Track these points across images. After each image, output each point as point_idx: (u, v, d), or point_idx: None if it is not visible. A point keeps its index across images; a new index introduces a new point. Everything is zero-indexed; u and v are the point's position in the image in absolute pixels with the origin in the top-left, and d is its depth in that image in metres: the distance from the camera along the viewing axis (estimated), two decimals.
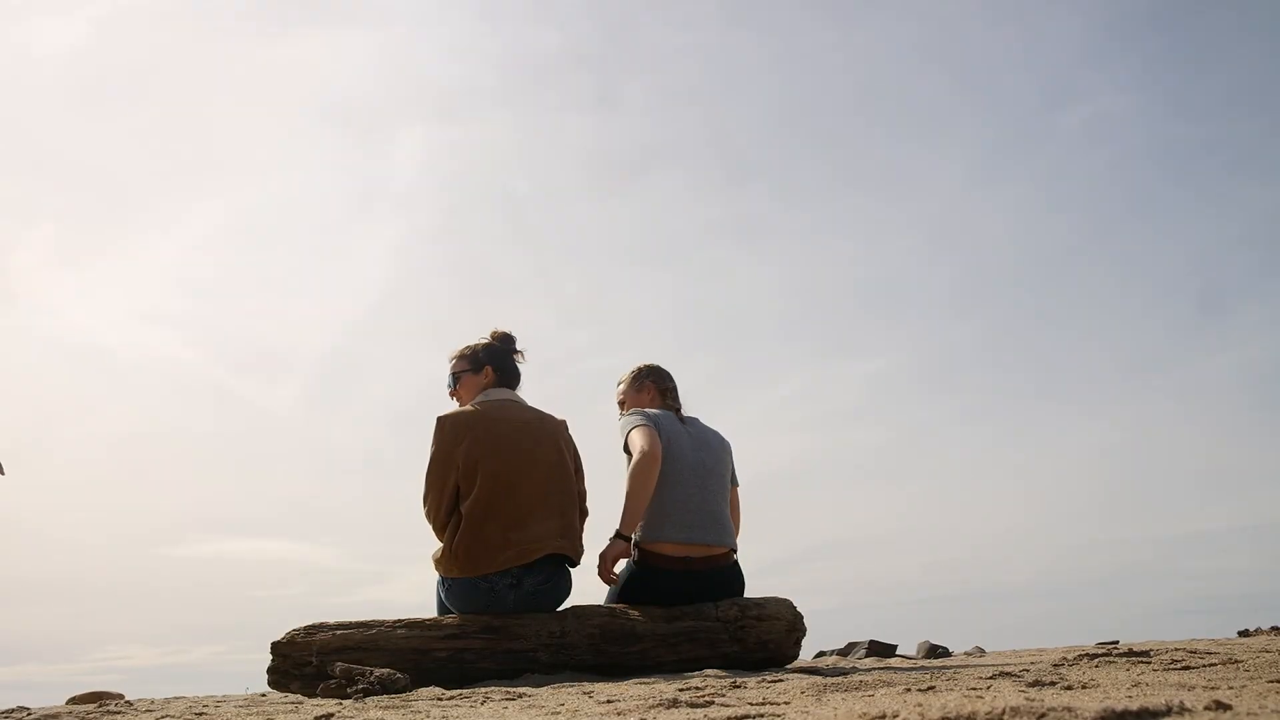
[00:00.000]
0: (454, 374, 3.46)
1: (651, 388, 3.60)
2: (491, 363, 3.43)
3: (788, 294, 19.43)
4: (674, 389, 3.63)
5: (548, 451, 3.23)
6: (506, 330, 3.54)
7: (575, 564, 3.28)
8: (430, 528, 3.25)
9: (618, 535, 3.21)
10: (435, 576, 3.26)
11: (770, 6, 17.86)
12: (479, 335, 3.54)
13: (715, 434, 3.53)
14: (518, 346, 3.53)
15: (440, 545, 3.21)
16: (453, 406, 3.41)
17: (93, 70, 17.85)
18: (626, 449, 3.33)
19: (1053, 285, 18.21)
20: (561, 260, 20.12)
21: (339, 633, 2.98)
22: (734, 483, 3.57)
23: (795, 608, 3.33)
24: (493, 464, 3.13)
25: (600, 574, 3.24)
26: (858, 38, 17.71)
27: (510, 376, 3.46)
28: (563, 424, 3.36)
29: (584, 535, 3.34)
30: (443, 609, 3.24)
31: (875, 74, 18.02)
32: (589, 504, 3.41)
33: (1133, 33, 16.17)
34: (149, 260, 18.57)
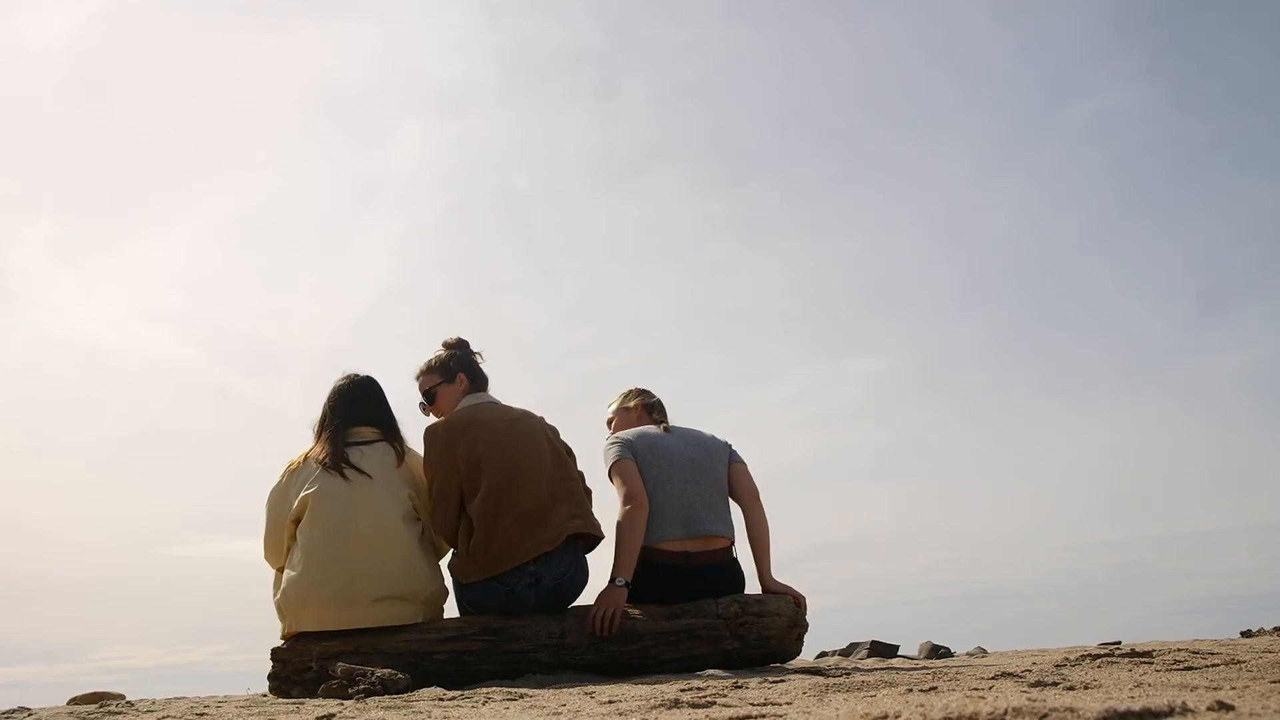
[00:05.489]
0: (429, 390, 3.45)
1: (639, 405, 3.66)
2: (463, 369, 3.45)
3: (789, 292, 19.42)
4: (660, 405, 3.70)
5: (541, 442, 3.27)
6: (458, 336, 3.56)
7: (599, 540, 3.29)
8: (440, 538, 3.24)
9: (612, 583, 3.15)
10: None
11: (772, 1, 17.85)
12: (432, 350, 3.54)
13: (706, 434, 3.56)
14: (474, 348, 3.55)
15: (451, 553, 3.22)
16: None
17: (90, 65, 17.83)
18: (610, 477, 3.35)
19: (1055, 283, 18.19)
20: (562, 258, 20.12)
21: (339, 637, 2.98)
22: (736, 460, 3.52)
23: (795, 603, 3.33)
24: (496, 461, 3.14)
25: (597, 624, 3.04)
26: (860, 33, 17.69)
27: (481, 380, 3.48)
28: (543, 419, 3.38)
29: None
30: (464, 614, 3.22)
31: (878, 70, 18.00)
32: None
33: (1136, 28, 16.15)
34: (148, 258, 18.56)
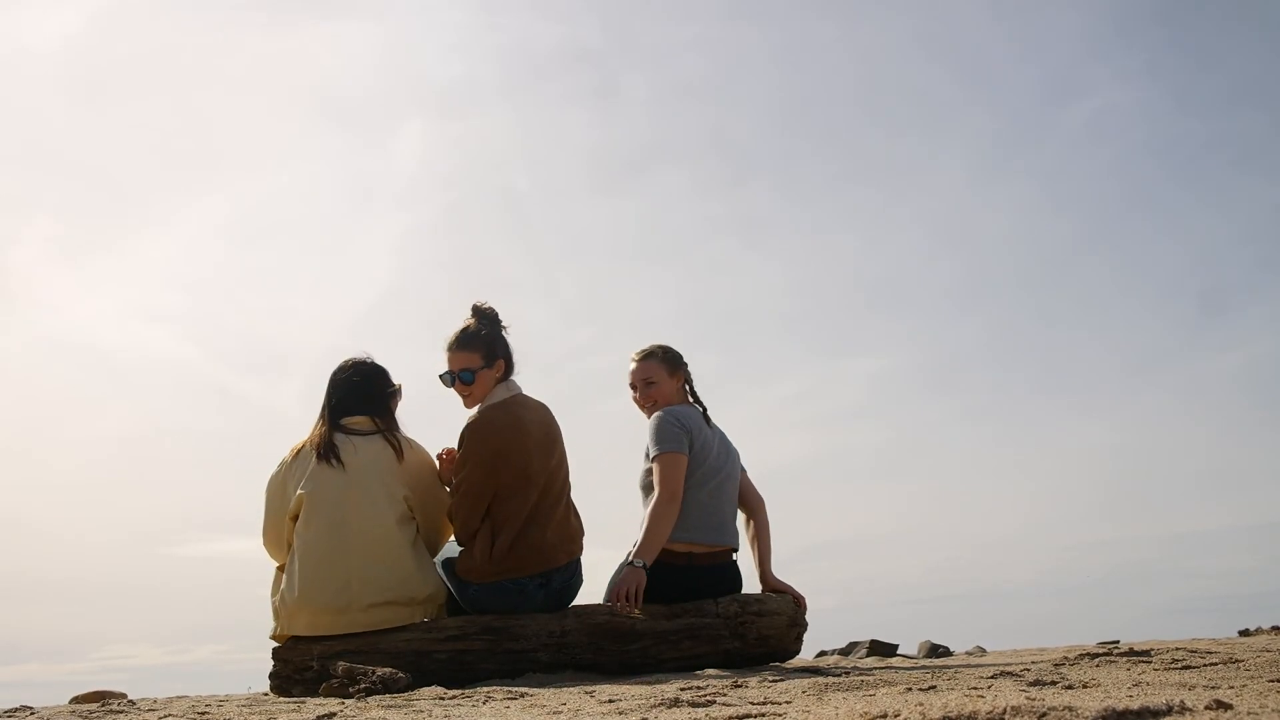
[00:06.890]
0: (468, 371, 3.18)
1: (681, 377, 3.51)
2: (503, 356, 3.24)
3: (789, 292, 19.41)
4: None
5: (562, 445, 3.27)
6: (489, 304, 3.28)
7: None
8: (454, 532, 3.21)
9: (632, 564, 3.11)
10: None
11: (772, 1, 17.83)
12: (462, 315, 3.27)
13: (728, 438, 3.57)
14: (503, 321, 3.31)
15: (460, 553, 3.19)
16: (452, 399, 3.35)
17: (90, 65, 17.81)
18: (658, 457, 3.26)
19: (1054, 283, 18.19)
20: (562, 257, 20.10)
21: (339, 638, 2.98)
22: (742, 469, 3.57)
23: (795, 602, 3.34)
24: (539, 469, 3.12)
25: (618, 605, 3.06)
26: (860, 32, 17.68)
27: (512, 365, 3.29)
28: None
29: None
30: (459, 613, 3.18)
31: (877, 68, 17.99)
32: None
33: (1136, 28, 16.15)
34: (148, 257, 18.55)
